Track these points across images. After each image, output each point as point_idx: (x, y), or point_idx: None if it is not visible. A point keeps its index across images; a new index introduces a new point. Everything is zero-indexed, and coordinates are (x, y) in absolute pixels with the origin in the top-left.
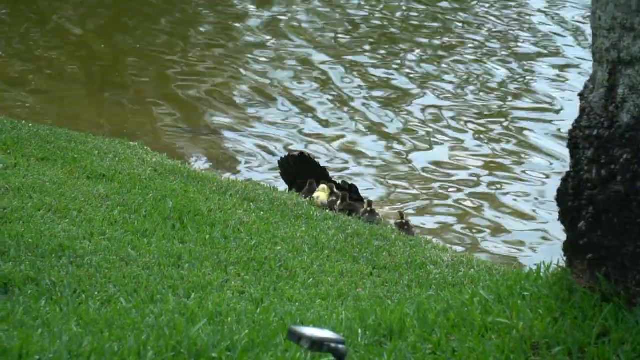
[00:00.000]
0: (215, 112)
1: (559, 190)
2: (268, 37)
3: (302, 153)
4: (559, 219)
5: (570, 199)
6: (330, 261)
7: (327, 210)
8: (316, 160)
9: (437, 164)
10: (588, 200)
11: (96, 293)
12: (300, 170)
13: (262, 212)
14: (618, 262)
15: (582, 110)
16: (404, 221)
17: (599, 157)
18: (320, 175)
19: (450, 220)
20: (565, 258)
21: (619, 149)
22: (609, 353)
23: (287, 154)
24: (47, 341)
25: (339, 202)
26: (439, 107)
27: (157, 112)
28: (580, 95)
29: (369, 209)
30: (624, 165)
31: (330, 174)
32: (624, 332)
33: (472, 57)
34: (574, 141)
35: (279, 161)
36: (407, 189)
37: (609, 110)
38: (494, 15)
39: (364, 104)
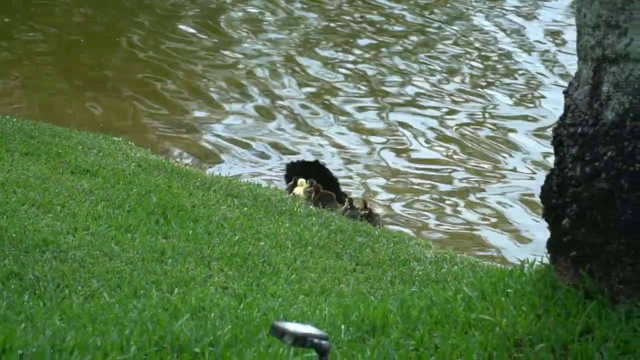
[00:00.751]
0: (198, 107)
1: (543, 188)
2: (246, 32)
3: (316, 161)
4: (542, 216)
5: (555, 197)
6: (314, 257)
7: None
8: (329, 169)
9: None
10: (572, 198)
11: (79, 288)
12: (305, 174)
13: (245, 208)
14: (602, 259)
15: (567, 107)
16: (366, 211)
17: (584, 154)
18: (329, 183)
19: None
20: (548, 255)
21: (603, 147)
22: (592, 350)
23: (299, 159)
24: (31, 336)
25: (313, 194)
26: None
27: (141, 108)
28: (565, 92)
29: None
30: (609, 163)
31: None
32: (607, 329)
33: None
34: (558, 138)
35: (287, 165)
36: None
37: (594, 107)
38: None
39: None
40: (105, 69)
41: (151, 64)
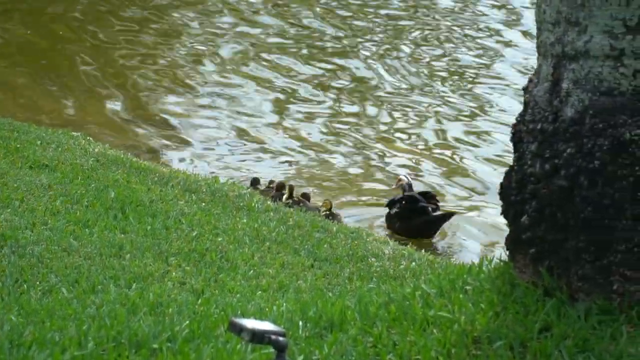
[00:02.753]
0: (161, 101)
1: (502, 184)
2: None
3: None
4: (501, 213)
5: (514, 193)
6: (271, 253)
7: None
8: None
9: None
10: (531, 195)
11: (38, 283)
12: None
13: (203, 204)
14: (561, 256)
15: (526, 104)
16: (329, 211)
17: (543, 151)
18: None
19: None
20: (507, 252)
21: (562, 143)
22: (551, 348)
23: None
24: None
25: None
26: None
27: (103, 102)
28: (524, 89)
29: (327, 211)
30: (568, 160)
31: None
32: (566, 327)
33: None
34: (517, 135)
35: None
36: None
37: (553, 104)
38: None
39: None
40: (69, 62)
41: (118, 56)
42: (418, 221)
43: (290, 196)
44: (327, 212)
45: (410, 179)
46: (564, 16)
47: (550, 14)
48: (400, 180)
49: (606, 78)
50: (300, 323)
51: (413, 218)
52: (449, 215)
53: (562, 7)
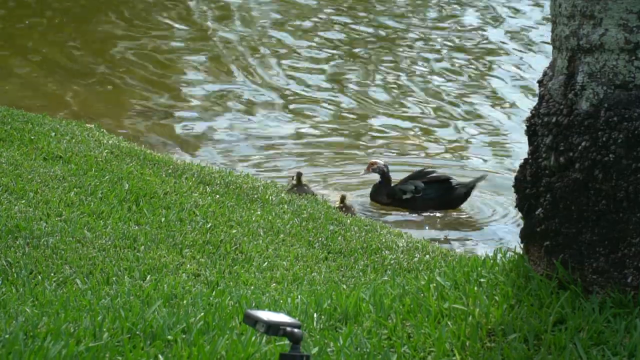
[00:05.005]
0: (171, 94)
1: (516, 177)
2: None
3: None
4: (516, 206)
5: (528, 186)
6: (286, 245)
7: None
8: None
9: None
10: (546, 188)
11: (52, 274)
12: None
13: (217, 196)
14: (575, 249)
15: (541, 97)
16: (343, 205)
17: (558, 144)
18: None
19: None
20: (522, 245)
21: (577, 137)
22: (565, 340)
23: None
24: (3, 322)
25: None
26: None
27: (116, 95)
28: (539, 82)
29: (341, 205)
30: (583, 153)
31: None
32: (580, 320)
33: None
34: (532, 128)
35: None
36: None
37: (568, 97)
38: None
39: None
40: (79, 54)
41: (127, 49)
42: (456, 194)
43: (299, 182)
44: (341, 206)
45: (385, 165)
46: (579, 9)
47: (566, 7)
48: (374, 163)
49: (621, 71)
50: (315, 315)
51: (449, 192)
52: (479, 179)
53: (577, 0)
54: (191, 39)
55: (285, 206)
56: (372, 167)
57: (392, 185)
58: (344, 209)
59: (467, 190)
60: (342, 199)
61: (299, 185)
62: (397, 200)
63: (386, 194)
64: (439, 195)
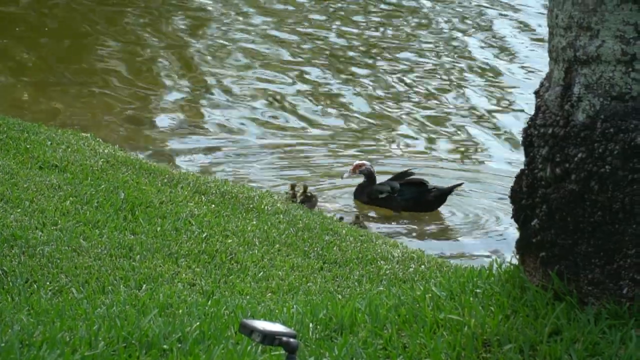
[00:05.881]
0: (168, 102)
1: (512, 188)
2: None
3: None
4: (512, 217)
5: (524, 197)
6: (281, 255)
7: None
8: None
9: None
10: (542, 199)
11: (48, 283)
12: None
13: (213, 205)
14: (571, 260)
15: (538, 108)
16: (307, 194)
17: (554, 155)
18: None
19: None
20: (517, 256)
21: (573, 148)
22: (561, 351)
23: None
24: None
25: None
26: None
27: (110, 103)
28: (536, 93)
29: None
30: (579, 164)
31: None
32: (576, 331)
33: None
34: (528, 139)
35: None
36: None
37: (565, 108)
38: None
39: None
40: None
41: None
42: (430, 197)
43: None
44: (301, 197)
45: (371, 166)
46: (576, 21)
47: (563, 18)
48: (360, 165)
49: (617, 83)
50: (311, 325)
51: (423, 194)
52: (456, 186)
53: (574, 12)
54: (168, 47)
55: (281, 216)
56: (359, 169)
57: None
58: (304, 199)
59: (440, 194)
60: (304, 189)
61: (305, 198)
62: (374, 199)
63: (366, 193)
64: (413, 196)
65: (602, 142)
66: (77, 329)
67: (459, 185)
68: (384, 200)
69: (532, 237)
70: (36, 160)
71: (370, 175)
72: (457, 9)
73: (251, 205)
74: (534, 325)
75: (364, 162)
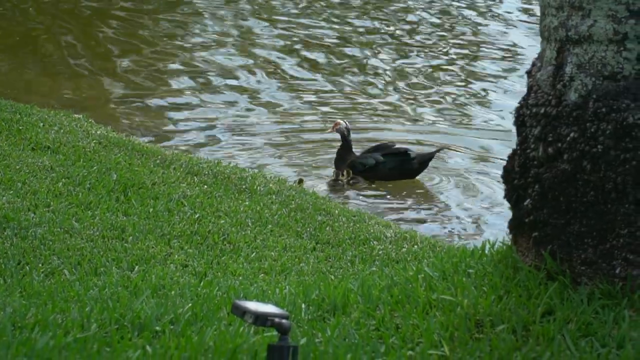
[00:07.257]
0: (162, 85)
1: (505, 168)
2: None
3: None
4: (504, 197)
5: (516, 177)
6: (274, 236)
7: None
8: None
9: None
10: (534, 179)
11: (40, 265)
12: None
13: (205, 186)
14: (563, 240)
15: (530, 88)
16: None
17: (546, 135)
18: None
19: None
20: (510, 236)
21: (565, 128)
22: (554, 332)
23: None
24: None
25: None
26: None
27: (104, 85)
28: (528, 73)
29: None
30: (571, 144)
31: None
32: (569, 311)
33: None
34: (520, 119)
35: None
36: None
37: (557, 88)
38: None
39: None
40: (66, 43)
41: (118, 40)
42: (412, 164)
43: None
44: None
45: (348, 124)
46: (567, 0)
47: None
48: (337, 124)
49: (609, 62)
50: (303, 306)
51: (407, 163)
52: (437, 151)
53: None
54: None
55: (273, 196)
56: (335, 127)
57: (355, 157)
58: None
59: (423, 161)
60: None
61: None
62: (357, 171)
63: (348, 165)
64: (396, 165)
65: (594, 121)
66: (69, 311)
67: (441, 149)
68: (366, 171)
69: (525, 217)
70: (28, 142)
71: (343, 136)
72: None
73: (244, 186)
74: (526, 306)
75: (340, 121)
